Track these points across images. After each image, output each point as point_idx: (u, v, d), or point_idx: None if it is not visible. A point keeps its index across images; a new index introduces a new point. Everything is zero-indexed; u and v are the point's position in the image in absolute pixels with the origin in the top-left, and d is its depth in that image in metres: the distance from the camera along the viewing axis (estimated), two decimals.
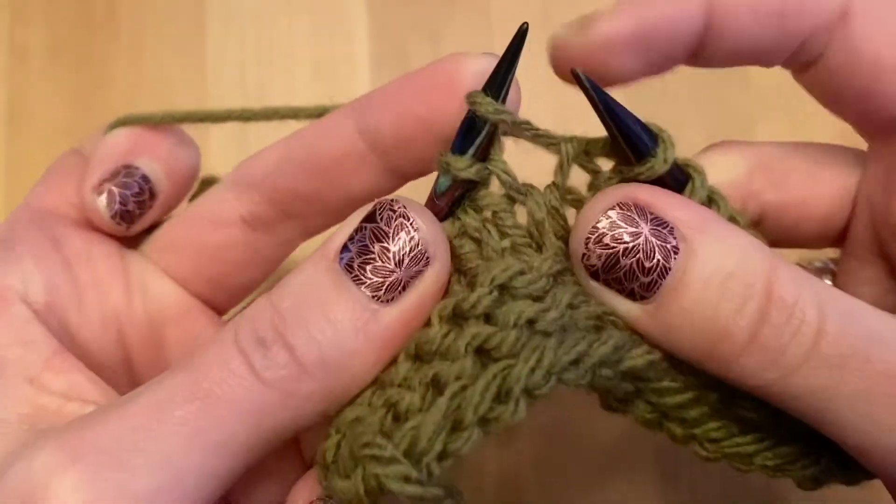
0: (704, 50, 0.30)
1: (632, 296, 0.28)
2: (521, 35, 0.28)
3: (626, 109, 0.29)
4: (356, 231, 0.28)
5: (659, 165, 0.29)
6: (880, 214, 0.31)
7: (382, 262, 0.27)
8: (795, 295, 0.26)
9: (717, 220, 0.28)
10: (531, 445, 0.48)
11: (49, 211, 0.36)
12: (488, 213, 0.30)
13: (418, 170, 0.32)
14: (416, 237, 0.28)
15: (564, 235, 0.30)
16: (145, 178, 0.37)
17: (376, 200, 0.29)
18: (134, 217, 0.36)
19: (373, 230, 0.28)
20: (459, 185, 0.30)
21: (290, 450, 0.34)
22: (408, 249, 0.28)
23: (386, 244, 0.28)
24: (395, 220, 0.28)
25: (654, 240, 0.27)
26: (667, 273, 0.27)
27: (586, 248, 0.28)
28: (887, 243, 0.31)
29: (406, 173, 0.32)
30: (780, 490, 0.46)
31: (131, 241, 0.38)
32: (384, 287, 0.27)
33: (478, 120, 0.29)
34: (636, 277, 0.27)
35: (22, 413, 0.29)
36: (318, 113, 0.35)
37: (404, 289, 0.28)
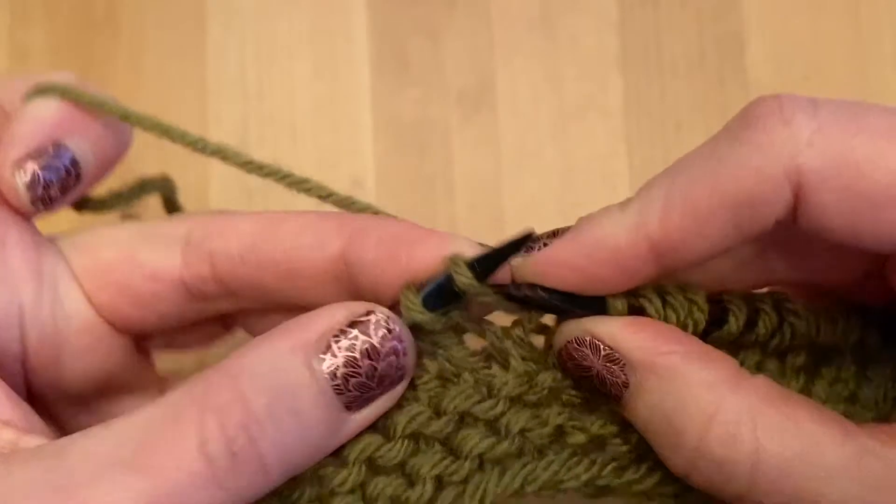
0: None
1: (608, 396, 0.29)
2: (526, 238, 0.29)
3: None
4: (343, 333, 0.27)
5: (734, 329, 0.30)
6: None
7: (367, 379, 0.27)
8: (729, 445, 0.26)
9: (666, 355, 0.28)
10: None
11: None
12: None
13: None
14: (403, 363, 0.28)
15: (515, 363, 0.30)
16: (74, 162, 0.33)
17: (368, 308, 0.28)
18: (55, 202, 0.34)
19: (365, 345, 0.27)
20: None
21: None
22: (393, 371, 0.28)
23: (375, 364, 0.27)
24: (391, 341, 0.28)
25: (605, 373, 0.28)
26: (621, 398, 0.28)
27: (560, 359, 0.30)
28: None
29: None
30: None
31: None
32: (360, 399, 0.28)
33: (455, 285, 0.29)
34: (600, 390, 0.29)
35: None
36: (294, 181, 0.34)
37: (374, 399, 0.28)
